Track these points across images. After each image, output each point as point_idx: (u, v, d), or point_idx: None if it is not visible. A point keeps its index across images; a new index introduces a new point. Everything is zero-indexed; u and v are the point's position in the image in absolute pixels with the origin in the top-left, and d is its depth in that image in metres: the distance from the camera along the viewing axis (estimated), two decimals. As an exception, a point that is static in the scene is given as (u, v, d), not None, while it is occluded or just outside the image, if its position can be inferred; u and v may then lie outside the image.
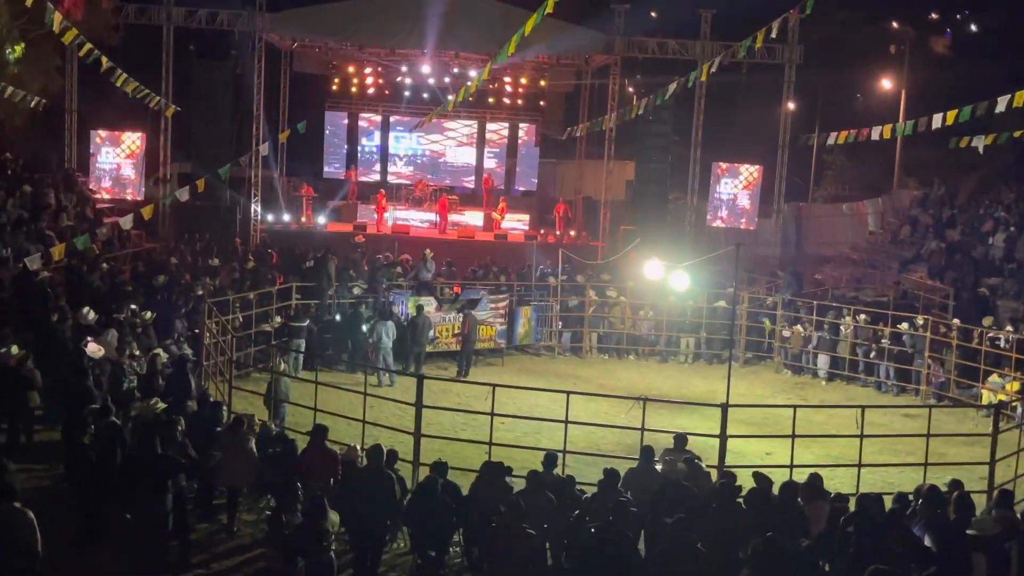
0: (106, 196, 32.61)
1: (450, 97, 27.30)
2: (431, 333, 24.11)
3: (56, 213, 26.21)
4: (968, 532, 10.79)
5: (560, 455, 13.63)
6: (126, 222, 23.04)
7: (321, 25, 32.55)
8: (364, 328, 23.07)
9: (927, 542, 10.75)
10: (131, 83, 24.97)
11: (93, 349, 16.72)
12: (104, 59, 23.52)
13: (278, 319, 22.96)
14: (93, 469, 12.37)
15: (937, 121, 22.03)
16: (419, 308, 23.49)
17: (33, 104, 26.43)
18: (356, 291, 25.20)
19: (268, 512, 13.02)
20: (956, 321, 23.68)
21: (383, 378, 21.86)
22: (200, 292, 22.56)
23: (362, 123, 40.57)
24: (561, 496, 11.86)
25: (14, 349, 16.13)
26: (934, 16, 56.24)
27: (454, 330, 24.55)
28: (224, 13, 32.07)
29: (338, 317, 24.05)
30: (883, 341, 24.14)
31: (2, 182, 26.31)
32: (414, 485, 13.38)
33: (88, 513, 12.35)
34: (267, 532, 11.82)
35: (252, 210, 33.05)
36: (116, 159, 33.08)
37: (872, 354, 24.44)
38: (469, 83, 25.88)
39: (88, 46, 22.93)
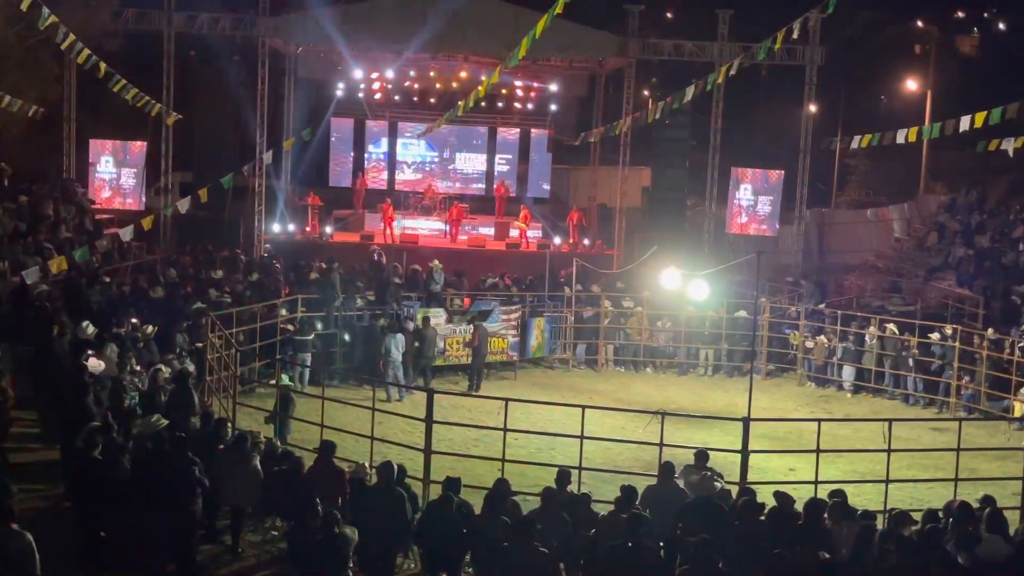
0: (105, 207, 32.10)
1: (459, 102, 26.67)
2: (441, 344, 23.47)
3: (54, 225, 25.89)
4: (979, 556, 10.42)
5: (575, 472, 13.26)
6: (126, 233, 22.74)
7: (326, 29, 31.96)
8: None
9: (959, 561, 10.49)
10: (130, 90, 24.41)
11: (94, 364, 16.40)
12: (103, 65, 22.98)
13: (290, 326, 22.42)
14: (95, 488, 11.98)
15: (965, 123, 21.50)
16: (425, 320, 22.84)
17: (30, 113, 25.92)
18: (362, 303, 24.55)
19: (274, 533, 13.26)
20: (990, 331, 22.92)
21: (392, 393, 21.22)
22: (204, 305, 22.05)
23: (369, 129, 39.96)
24: (576, 514, 11.50)
25: None
26: (960, 15, 55.78)
27: (465, 341, 23.86)
28: (226, 18, 31.74)
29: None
30: (912, 351, 23.38)
31: (-2, 193, 25.93)
32: (425, 503, 13.02)
33: (90, 534, 12.01)
34: (286, 549, 11.87)
35: (255, 220, 32.40)
36: (115, 169, 32.55)
37: (889, 363, 23.82)
38: (479, 87, 25.21)
39: (86, 52, 22.38)
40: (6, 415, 15.37)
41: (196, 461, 12.13)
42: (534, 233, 35.87)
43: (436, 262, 26.39)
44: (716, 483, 12.40)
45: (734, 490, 12.78)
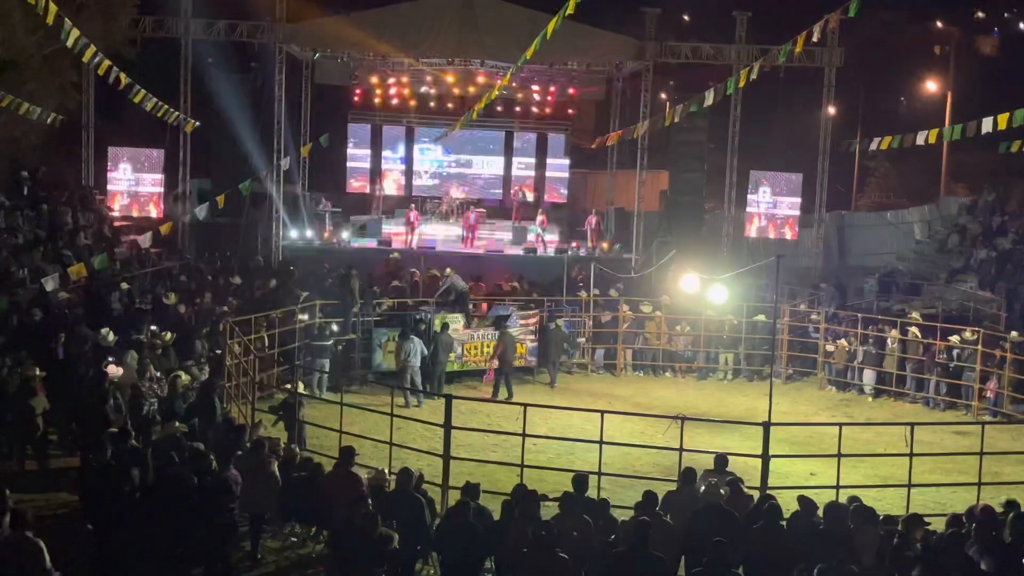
0: (124, 214, 32.22)
1: (475, 106, 26.62)
2: (459, 350, 23.49)
3: (73, 233, 25.90)
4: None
5: (595, 477, 13.18)
6: (145, 240, 22.79)
7: (343, 35, 32.02)
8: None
9: (983, 566, 10.33)
10: (150, 100, 24.44)
11: (113, 371, 16.60)
12: (123, 77, 23.00)
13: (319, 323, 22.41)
14: (112, 495, 11.94)
15: (987, 125, 21.17)
16: (444, 326, 22.76)
17: (49, 121, 26.00)
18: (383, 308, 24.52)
19: (293, 539, 13.34)
20: (1014, 334, 22.68)
21: (411, 399, 21.16)
22: (224, 309, 22.10)
23: (386, 135, 39.97)
24: (595, 519, 11.41)
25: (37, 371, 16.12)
26: (981, 15, 55.37)
27: (483, 348, 23.82)
28: (243, 25, 31.84)
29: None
30: (936, 354, 23.16)
31: (18, 201, 25.97)
32: (443, 508, 13.05)
33: (104, 542, 11.91)
34: (328, 546, 12.16)
35: (274, 226, 32.45)
36: (134, 176, 32.69)
37: (911, 366, 23.59)
38: (493, 90, 25.18)
39: (107, 63, 22.40)
40: (34, 422, 15.45)
41: (235, 473, 12.22)
42: (551, 237, 35.77)
43: (448, 269, 26.27)
44: (724, 490, 12.18)
45: (755, 495, 12.66)
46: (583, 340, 25.86)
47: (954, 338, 23.15)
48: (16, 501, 10.44)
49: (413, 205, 36.19)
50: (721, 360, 25.97)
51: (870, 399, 24.00)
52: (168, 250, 29.84)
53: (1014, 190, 36.49)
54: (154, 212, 32.57)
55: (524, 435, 14.35)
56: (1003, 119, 20.34)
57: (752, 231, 34.33)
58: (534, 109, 39.26)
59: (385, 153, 40.21)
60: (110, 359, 17.12)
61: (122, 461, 12.40)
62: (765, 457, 13.55)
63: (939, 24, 49.77)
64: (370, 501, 11.27)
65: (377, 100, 38.56)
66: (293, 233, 34.41)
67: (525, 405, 14.77)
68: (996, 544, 10.55)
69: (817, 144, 33.16)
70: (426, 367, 22.32)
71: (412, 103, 39.00)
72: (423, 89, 38.38)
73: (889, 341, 24.06)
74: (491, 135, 40.26)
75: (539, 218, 35.90)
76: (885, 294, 30.84)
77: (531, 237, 35.14)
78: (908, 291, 31.25)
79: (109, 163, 32.79)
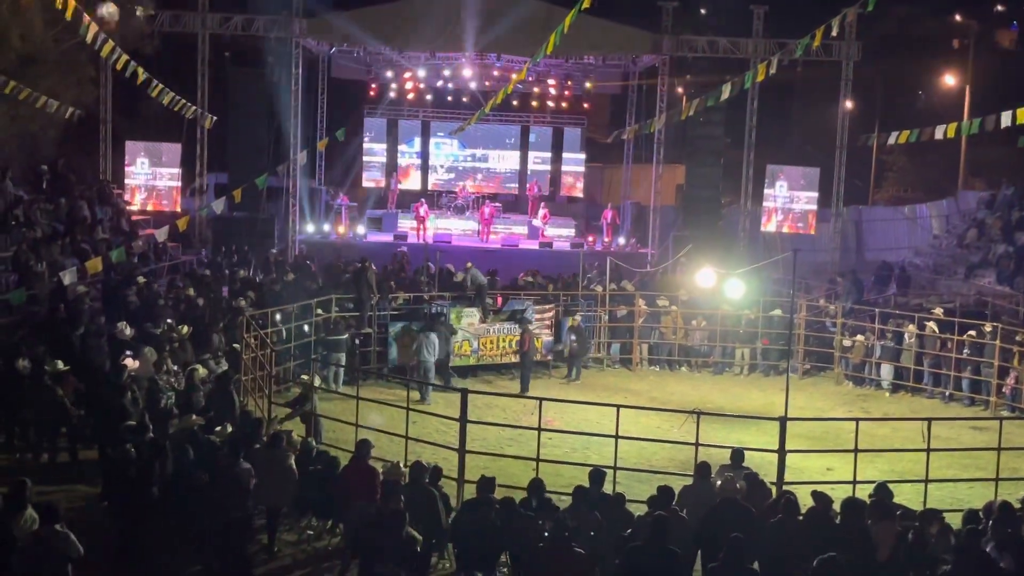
0: (141, 208, 32.38)
1: (490, 100, 26.60)
2: (475, 344, 23.61)
3: (91, 226, 25.99)
4: None
5: (610, 471, 13.09)
6: (161, 234, 22.80)
7: (359, 30, 32.03)
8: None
9: (1001, 564, 10.28)
10: (168, 95, 24.52)
11: (131, 365, 16.58)
12: (140, 71, 23.06)
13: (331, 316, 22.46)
14: (131, 488, 12.08)
15: (1006, 119, 21.02)
16: (445, 317, 22.82)
17: (67, 115, 26.13)
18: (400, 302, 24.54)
19: (310, 532, 13.30)
20: (1032, 329, 22.58)
21: (426, 393, 21.18)
22: (241, 303, 22.12)
23: (402, 129, 40.06)
24: (610, 514, 11.42)
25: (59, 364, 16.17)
26: (1000, 8, 54.94)
27: (500, 343, 23.81)
28: (259, 19, 31.84)
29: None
30: (950, 347, 23.05)
31: (37, 195, 26.10)
32: (459, 502, 12.99)
33: (124, 534, 12.03)
34: (346, 541, 12.26)
35: (290, 220, 32.55)
36: (151, 170, 32.85)
37: (929, 361, 23.45)
38: (508, 84, 25.15)
39: (125, 58, 22.47)
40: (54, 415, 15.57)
41: (248, 467, 12.23)
42: (555, 232, 35.82)
43: (468, 264, 26.33)
44: (740, 484, 12.12)
45: (773, 490, 12.66)
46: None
47: (972, 333, 23.03)
48: (36, 493, 10.53)
49: (423, 200, 36.31)
50: (737, 355, 25.89)
51: (887, 394, 23.84)
52: (185, 244, 29.98)
53: (1033, 184, 36.31)
54: (171, 206, 32.72)
55: (540, 429, 14.25)
56: (1022, 113, 20.26)
57: (769, 225, 34.26)
58: (550, 103, 39.30)
59: (401, 147, 40.36)
60: (127, 352, 17.11)
61: (142, 454, 12.46)
62: (781, 452, 13.51)
63: (957, 17, 49.35)
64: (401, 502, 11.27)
65: (393, 94, 38.71)
66: (309, 227, 34.52)
67: (540, 399, 14.74)
68: (1014, 540, 10.50)
69: (834, 138, 33.02)
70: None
71: (428, 97, 39.11)
72: (439, 83, 38.48)
73: (906, 336, 23.96)
74: (507, 129, 40.35)
75: (540, 212, 35.97)
76: (881, 286, 30.78)
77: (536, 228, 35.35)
78: (901, 283, 31.14)
79: (127, 157, 32.94)
